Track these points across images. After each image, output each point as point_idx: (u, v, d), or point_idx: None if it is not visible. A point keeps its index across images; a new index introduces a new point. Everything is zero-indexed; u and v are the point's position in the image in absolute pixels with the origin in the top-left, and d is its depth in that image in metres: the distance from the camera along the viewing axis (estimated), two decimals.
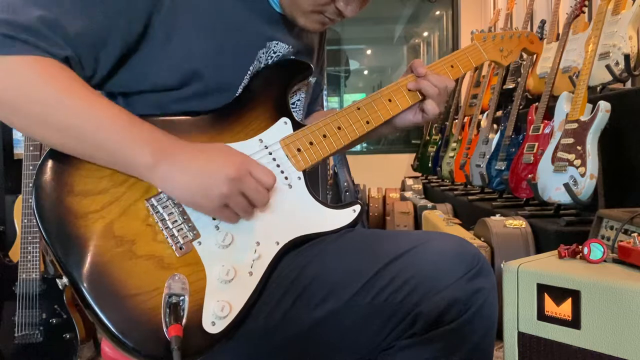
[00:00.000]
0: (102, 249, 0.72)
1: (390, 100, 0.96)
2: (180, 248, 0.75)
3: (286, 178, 0.85)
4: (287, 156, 0.86)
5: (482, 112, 3.44)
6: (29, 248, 1.93)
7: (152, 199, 0.76)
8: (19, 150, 2.78)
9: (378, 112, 0.95)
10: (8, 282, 1.92)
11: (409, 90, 0.97)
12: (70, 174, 0.75)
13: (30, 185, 1.92)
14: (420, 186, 4.32)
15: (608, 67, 2.12)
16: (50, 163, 0.75)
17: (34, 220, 1.94)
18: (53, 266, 1.97)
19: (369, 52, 6.72)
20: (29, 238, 1.94)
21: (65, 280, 0.71)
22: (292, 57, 0.95)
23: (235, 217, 0.78)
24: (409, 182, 4.43)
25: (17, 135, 2.82)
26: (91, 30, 0.75)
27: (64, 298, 1.94)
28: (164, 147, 0.74)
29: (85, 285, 0.70)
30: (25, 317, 1.90)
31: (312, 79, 1.02)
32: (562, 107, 2.09)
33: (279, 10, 0.91)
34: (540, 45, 1.22)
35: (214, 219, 0.78)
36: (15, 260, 1.98)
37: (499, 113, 3.05)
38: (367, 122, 0.94)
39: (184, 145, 0.76)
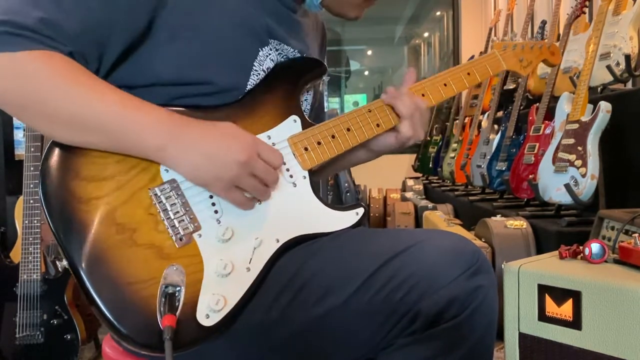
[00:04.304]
0: (103, 235, 0.72)
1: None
2: (180, 239, 0.75)
3: (291, 176, 0.85)
4: (294, 154, 0.86)
5: (483, 113, 3.44)
6: (30, 249, 1.93)
7: (156, 189, 0.76)
8: (19, 151, 2.79)
9: (389, 116, 0.94)
10: (9, 283, 1.92)
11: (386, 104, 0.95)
12: (77, 160, 0.75)
13: (32, 186, 1.94)
14: (421, 187, 4.32)
15: (609, 67, 2.12)
16: (57, 148, 0.76)
17: (35, 222, 1.96)
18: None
19: (369, 52, 6.72)
20: (30, 239, 1.94)
21: (65, 262, 0.72)
22: (304, 55, 0.94)
23: (245, 200, 0.78)
24: (410, 182, 4.43)
25: (18, 136, 2.83)
26: (93, 29, 0.75)
27: (65, 299, 1.94)
28: (173, 128, 0.75)
29: (84, 269, 0.70)
30: (26, 318, 1.90)
31: (325, 79, 1.02)
32: (563, 108, 2.08)
33: (317, 9, 0.95)
34: (560, 56, 1.20)
35: (215, 212, 0.78)
36: (16, 261, 1.99)
37: (500, 113, 3.06)
38: (378, 125, 0.93)
39: (194, 125, 0.76)
